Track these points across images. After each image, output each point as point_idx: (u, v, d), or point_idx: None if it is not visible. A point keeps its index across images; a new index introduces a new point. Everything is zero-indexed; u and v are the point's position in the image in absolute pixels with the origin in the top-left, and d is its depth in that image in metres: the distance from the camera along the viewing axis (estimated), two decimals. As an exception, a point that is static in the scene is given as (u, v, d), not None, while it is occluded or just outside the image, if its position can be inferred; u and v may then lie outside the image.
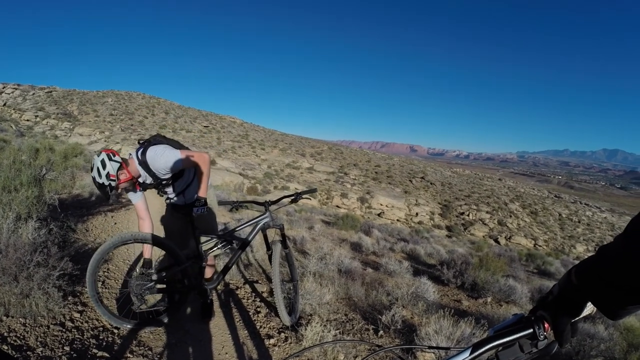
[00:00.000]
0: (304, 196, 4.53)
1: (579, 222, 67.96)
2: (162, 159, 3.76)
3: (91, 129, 60.82)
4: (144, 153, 3.77)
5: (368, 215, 48.38)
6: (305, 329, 3.96)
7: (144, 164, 3.76)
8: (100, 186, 3.47)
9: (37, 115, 63.63)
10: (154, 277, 3.87)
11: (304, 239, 9.54)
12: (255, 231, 4.29)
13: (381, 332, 4.58)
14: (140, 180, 3.84)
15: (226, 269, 4.26)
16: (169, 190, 4.11)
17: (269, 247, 4.44)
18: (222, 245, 4.16)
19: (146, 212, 3.93)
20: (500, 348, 1.04)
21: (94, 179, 3.48)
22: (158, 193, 4.17)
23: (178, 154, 3.80)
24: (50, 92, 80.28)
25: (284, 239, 4.50)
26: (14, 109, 65.51)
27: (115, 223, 7.07)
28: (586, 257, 1.00)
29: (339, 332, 4.40)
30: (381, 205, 53.03)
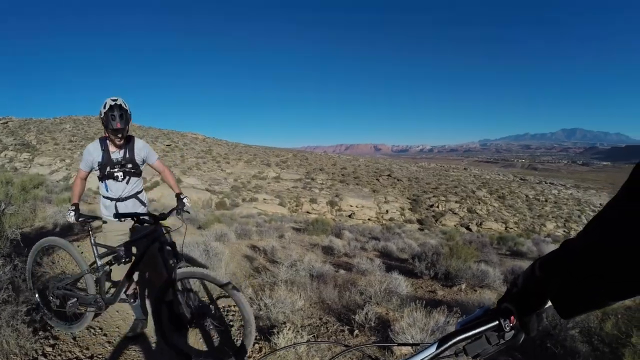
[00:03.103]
0: (184, 208, 4.19)
1: (546, 201, 69.40)
2: (148, 147, 4.42)
3: (51, 158, 59.13)
4: (131, 137, 4.29)
5: (339, 218, 48.40)
6: (278, 337, 3.93)
7: (128, 140, 4.22)
8: (121, 116, 3.82)
9: (-6, 148, 61.84)
10: (60, 281, 4.06)
11: (274, 248, 9.48)
12: (143, 247, 3.78)
13: (356, 331, 4.59)
14: (112, 151, 4.13)
15: (122, 284, 3.88)
16: (121, 183, 4.20)
17: (167, 269, 3.70)
18: (114, 258, 3.91)
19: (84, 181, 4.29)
20: (468, 341, 1.04)
21: (113, 108, 3.79)
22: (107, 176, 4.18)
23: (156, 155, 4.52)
24: (6, 122, 78.16)
25: (176, 256, 3.74)
26: (-31, 144, 63.74)
27: (82, 252, 6.89)
28: (553, 248, 1.01)
29: (313, 336, 4.39)
30: (351, 206, 53.13)
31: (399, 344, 1.24)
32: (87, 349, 3.87)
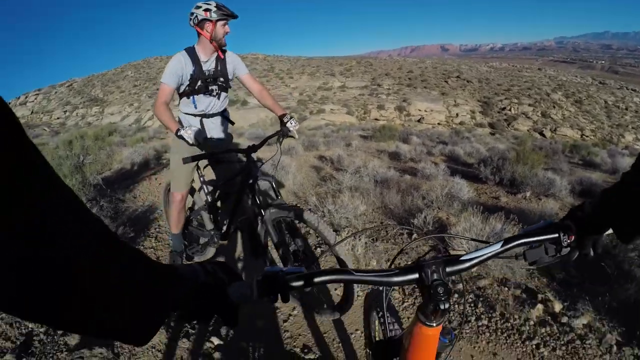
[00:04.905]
0: (289, 133, 3.46)
1: (627, 109, 64.67)
2: (236, 56, 3.67)
3: (120, 106, 62.01)
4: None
5: (408, 123, 47.60)
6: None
7: (224, 50, 3.57)
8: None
9: (66, 110, 65.38)
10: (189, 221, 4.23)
11: (340, 156, 9.63)
12: (238, 184, 3.36)
13: (415, 235, 4.71)
14: (204, 60, 3.48)
15: (229, 222, 3.65)
16: (213, 98, 3.65)
17: (258, 213, 3.13)
18: (218, 196, 3.81)
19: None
20: (528, 247, 1.16)
21: (221, 7, 3.22)
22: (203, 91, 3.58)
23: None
24: (71, 84, 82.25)
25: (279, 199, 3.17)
26: (42, 113, 68.29)
27: (160, 184, 7.63)
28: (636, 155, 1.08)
29: (372, 240, 4.57)
30: (419, 111, 52.02)
31: (472, 239, 1.37)
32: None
